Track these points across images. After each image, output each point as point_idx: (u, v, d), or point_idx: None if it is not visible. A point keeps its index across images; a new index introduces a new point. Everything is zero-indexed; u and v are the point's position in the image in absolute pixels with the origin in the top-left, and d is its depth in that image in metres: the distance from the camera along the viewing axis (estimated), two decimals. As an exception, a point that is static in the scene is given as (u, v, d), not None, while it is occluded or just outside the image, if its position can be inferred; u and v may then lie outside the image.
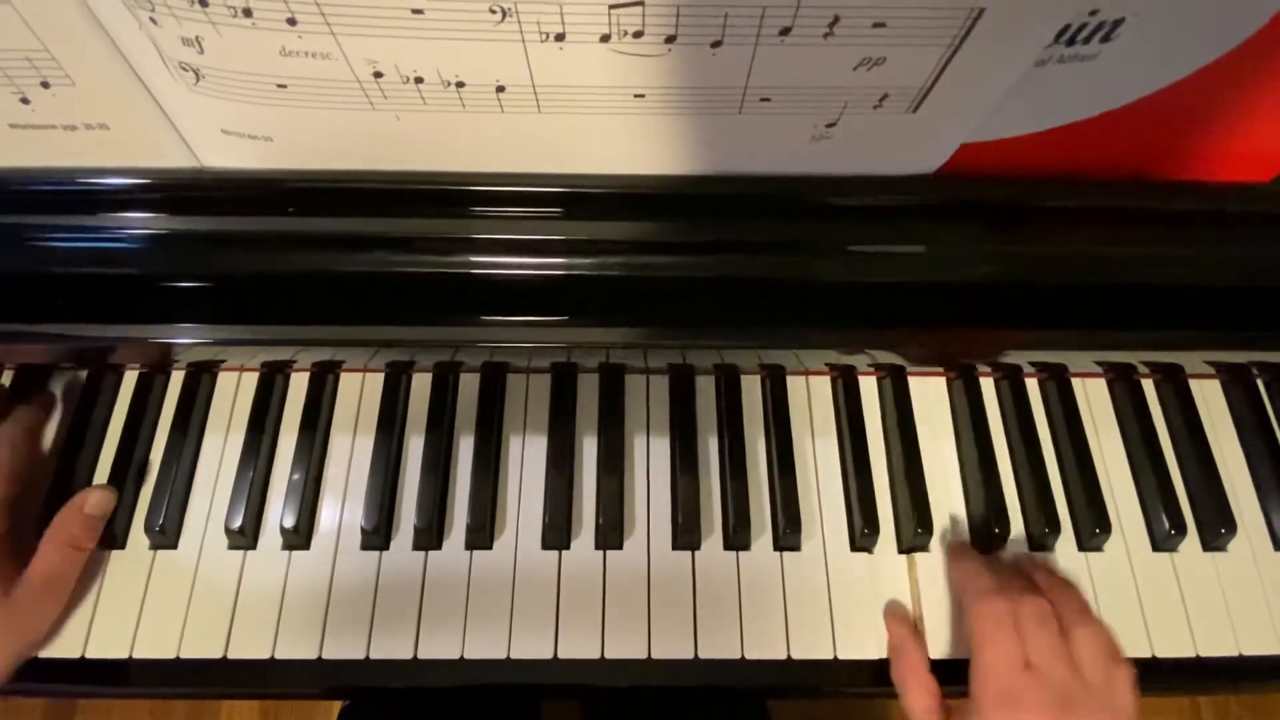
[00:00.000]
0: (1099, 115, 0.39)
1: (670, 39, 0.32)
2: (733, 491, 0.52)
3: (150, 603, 0.50)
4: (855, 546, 0.52)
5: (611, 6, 0.30)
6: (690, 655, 0.49)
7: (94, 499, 0.50)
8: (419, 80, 0.34)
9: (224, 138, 0.39)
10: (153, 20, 0.32)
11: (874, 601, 0.51)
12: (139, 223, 0.43)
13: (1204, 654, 0.50)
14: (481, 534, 0.51)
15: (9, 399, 0.54)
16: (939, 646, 0.50)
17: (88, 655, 0.48)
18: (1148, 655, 0.50)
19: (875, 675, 0.49)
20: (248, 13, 0.31)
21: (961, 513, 0.54)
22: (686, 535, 0.51)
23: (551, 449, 0.54)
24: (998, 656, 0.43)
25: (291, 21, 0.31)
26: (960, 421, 0.57)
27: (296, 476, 0.52)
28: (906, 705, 0.46)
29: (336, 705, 0.66)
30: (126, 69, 0.36)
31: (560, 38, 0.32)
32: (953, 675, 0.47)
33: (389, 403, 0.55)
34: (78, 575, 0.49)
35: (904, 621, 0.50)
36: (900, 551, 0.53)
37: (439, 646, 0.49)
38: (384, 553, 0.51)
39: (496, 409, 0.55)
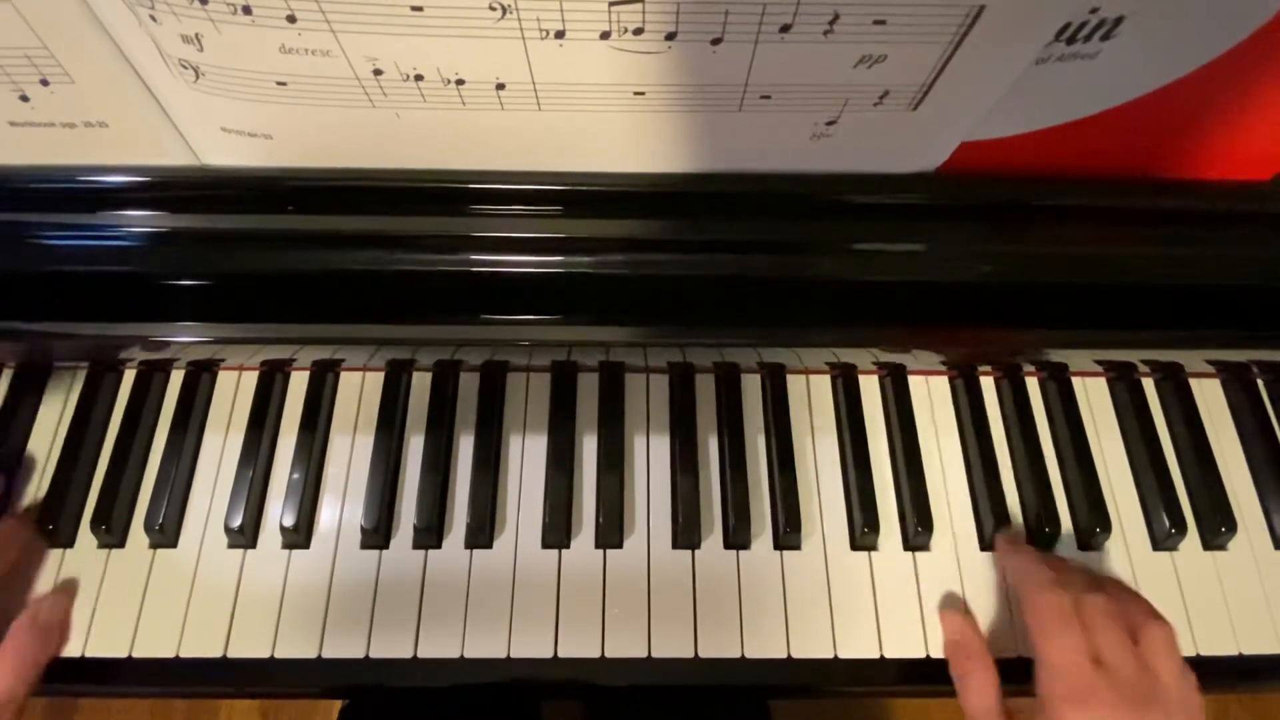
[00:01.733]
0: (1099, 114, 0.39)
1: (670, 36, 0.32)
2: (733, 490, 0.52)
3: (150, 602, 0.50)
4: (856, 546, 0.52)
5: (612, 4, 0.30)
6: (690, 654, 0.49)
7: (44, 612, 0.47)
8: (419, 78, 0.34)
9: (223, 135, 0.39)
10: (152, 18, 0.32)
11: (874, 601, 0.51)
12: (138, 221, 0.43)
13: (1204, 653, 0.50)
14: (481, 533, 0.51)
15: None
16: (939, 646, 0.49)
17: (87, 654, 0.48)
18: (1148, 654, 0.50)
19: (875, 674, 0.49)
20: (247, 10, 0.31)
21: (962, 511, 0.54)
22: (686, 534, 0.51)
23: (551, 447, 0.54)
24: (1065, 651, 0.41)
25: (291, 19, 0.31)
26: (961, 420, 0.56)
27: (296, 475, 0.52)
28: (967, 702, 0.44)
29: (336, 705, 0.66)
30: (126, 67, 0.36)
31: (560, 35, 0.32)
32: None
33: (389, 401, 0.55)
34: (30, 691, 0.44)
35: (960, 615, 0.48)
36: (902, 550, 0.53)
37: (439, 645, 0.49)
38: (384, 552, 0.51)
39: (496, 408, 0.55)
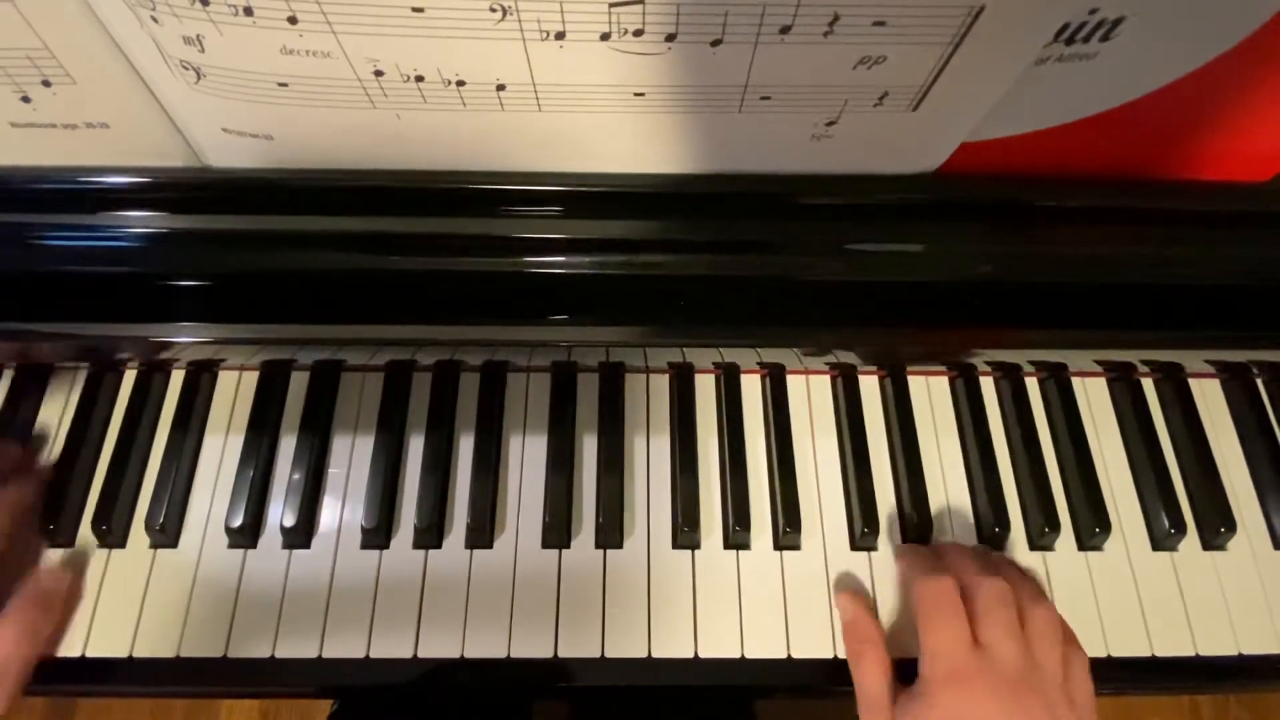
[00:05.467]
0: (1099, 114, 0.39)
1: (670, 37, 0.32)
2: (733, 491, 0.52)
3: (150, 602, 0.50)
4: (855, 546, 0.52)
5: (612, 5, 0.30)
6: (691, 654, 0.49)
7: (47, 576, 0.48)
8: (419, 79, 0.34)
9: (225, 136, 0.39)
10: (154, 19, 0.32)
11: (874, 601, 0.51)
12: (139, 221, 0.43)
13: (1204, 653, 0.50)
14: (482, 533, 0.51)
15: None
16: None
17: (88, 654, 0.48)
18: (1147, 654, 0.50)
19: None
20: (249, 11, 0.31)
21: (962, 512, 0.54)
22: (686, 534, 0.51)
23: (551, 448, 0.54)
24: (944, 636, 0.42)
25: (292, 20, 0.31)
26: (961, 421, 0.57)
27: (297, 475, 0.52)
28: (860, 684, 0.45)
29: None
30: (127, 68, 0.36)
31: (560, 36, 0.32)
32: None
33: (389, 401, 0.55)
34: (34, 659, 0.45)
35: (854, 598, 0.49)
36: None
37: (439, 645, 0.49)
38: (384, 552, 0.51)
39: (496, 408, 0.55)
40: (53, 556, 0.51)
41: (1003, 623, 0.42)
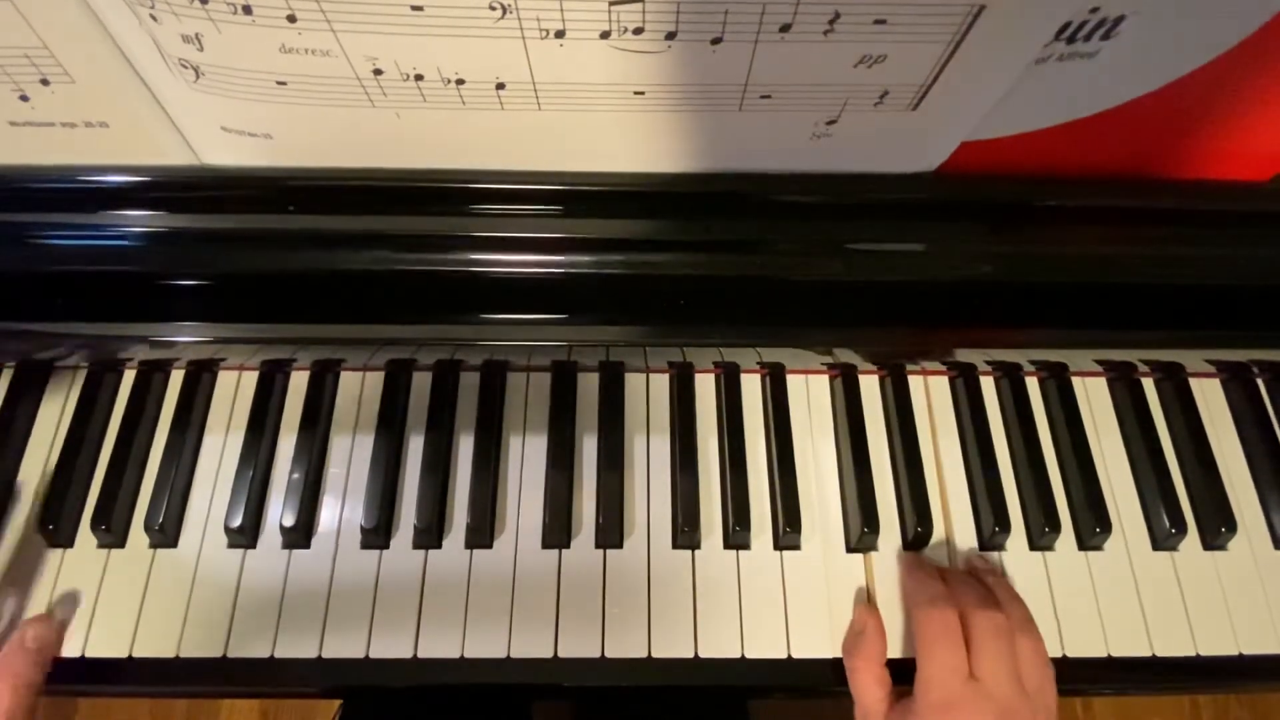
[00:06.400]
0: (1099, 113, 0.39)
1: (670, 36, 0.32)
2: (733, 491, 0.52)
3: (150, 602, 0.50)
4: (855, 546, 0.52)
5: (612, 3, 0.30)
6: (690, 654, 0.49)
7: (32, 633, 0.46)
8: (419, 77, 0.34)
9: (224, 135, 0.39)
10: (153, 17, 0.32)
11: (873, 602, 0.51)
12: (138, 220, 0.43)
13: (1204, 653, 0.50)
14: (481, 533, 0.51)
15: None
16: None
17: (88, 654, 0.48)
18: (1148, 654, 0.50)
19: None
20: (248, 10, 0.31)
21: (962, 511, 0.54)
22: (686, 534, 0.51)
23: (551, 448, 0.54)
24: (941, 666, 0.44)
25: (291, 19, 0.31)
26: (961, 421, 0.56)
27: (296, 475, 0.52)
28: (858, 693, 0.47)
29: (336, 705, 0.66)
30: (126, 66, 0.36)
31: (560, 34, 0.32)
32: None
33: (389, 401, 0.55)
34: (31, 711, 0.44)
35: (875, 614, 0.50)
36: (902, 550, 0.53)
37: (439, 645, 0.49)
38: (384, 552, 0.51)
39: (496, 407, 0.55)
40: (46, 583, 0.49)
41: (998, 656, 0.43)
